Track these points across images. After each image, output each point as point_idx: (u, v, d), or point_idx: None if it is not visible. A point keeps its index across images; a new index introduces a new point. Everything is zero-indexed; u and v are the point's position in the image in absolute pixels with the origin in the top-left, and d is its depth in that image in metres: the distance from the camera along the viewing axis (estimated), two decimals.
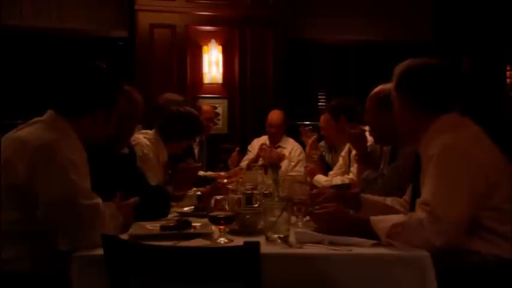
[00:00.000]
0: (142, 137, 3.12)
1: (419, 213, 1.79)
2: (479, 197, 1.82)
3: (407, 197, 2.25)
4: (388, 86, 2.65)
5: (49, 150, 1.82)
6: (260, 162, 4.93)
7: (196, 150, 5.02)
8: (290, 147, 5.26)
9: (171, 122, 3.21)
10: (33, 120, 1.99)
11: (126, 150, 2.57)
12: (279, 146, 5.27)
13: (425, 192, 1.83)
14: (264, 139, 5.45)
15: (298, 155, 5.16)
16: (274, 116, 5.31)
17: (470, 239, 1.82)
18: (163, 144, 3.20)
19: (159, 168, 3.12)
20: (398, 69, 2.10)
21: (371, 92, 2.73)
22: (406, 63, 2.09)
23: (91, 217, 1.79)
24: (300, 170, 4.87)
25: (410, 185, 2.23)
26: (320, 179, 3.86)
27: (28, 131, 1.93)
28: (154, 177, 2.88)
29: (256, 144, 5.39)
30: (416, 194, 2.00)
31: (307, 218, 2.12)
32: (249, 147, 5.40)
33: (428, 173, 1.87)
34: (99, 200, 1.86)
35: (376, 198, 2.34)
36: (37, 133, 1.90)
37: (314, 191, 2.80)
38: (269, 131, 5.27)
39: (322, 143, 4.68)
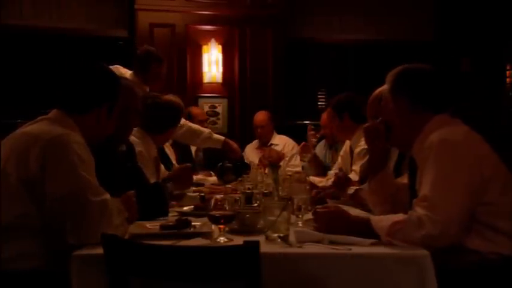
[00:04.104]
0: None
1: (419, 211, 1.79)
2: (475, 191, 1.83)
3: None
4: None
5: (60, 143, 1.84)
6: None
7: (193, 150, 5.03)
8: (282, 143, 5.37)
9: (152, 114, 3.13)
10: (38, 118, 2.01)
11: (123, 147, 2.57)
12: (272, 144, 5.33)
13: (423, 189, 1.84)
14: (255, 143, 5.50)
15: (291, 149, 5.26)
16: (259, 116, 5.46)
17: (467, 235, 1.83)
18: (150, 138, 3.16)
19: (152, 164, 3.09)
20: (393, 72, 2.11)
21: (370, 92, 2.74)
22: (400, 67, 2.11)
23: (100, 213, 1.80)
24: (294, 163, 4.93)
25: None
26: (314, 180, 3.75)
27: (37, 127, 1.95)
28: (150, 175, 2.87)
29: (249, 150, 5.43)
30: (413, 195, 1.99)
31: (309, 216, 2.13)
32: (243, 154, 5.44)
33: (425, 170, 1.87)
34: (108, 196, 1.86)
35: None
36: (47, 128, 1.92)
37: (314, 191, 2.82)
38: (256, 131, 5.43)
39: (322, 142, 4.68)
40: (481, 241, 1.83)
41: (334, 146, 4.50)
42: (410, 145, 2.06)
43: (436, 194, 1.79)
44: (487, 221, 1.83)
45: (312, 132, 4.42)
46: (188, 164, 3.02)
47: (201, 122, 4.98)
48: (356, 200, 2.72)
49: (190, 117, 4.95)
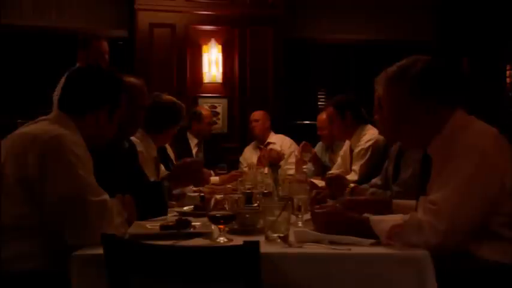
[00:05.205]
0: None
1: (421, 214, 1.77)
2: (491, 203, 1.77)
3: None
4: None
5: (58, 143, 1.84)
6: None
7: (194, 151, 5.05)
8: (279, 141, 5.39)
9: (152, 114, 3.08)
10: (38, 118, 2.02)
11: (125, 145, 2.57)
12: (269, 143, 5.34)
13: (435, 192, 1.79)
14: (253, 144, 5.50)
15: (289, 147, 5.29)
16: (256, 113, 5.49)
17: (477, 243, 1.79)
18: (150, 138, 3.17)
19: (151, 164, 3.10)
20: (411, 74, 1.91)
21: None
22: (412, 64, 1.93)
23: (99, 214, 1.80)
24: (292, 161, 4.94)
25: None
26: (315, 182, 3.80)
27: (36, 127, 1.95)
28: (150, 175, 2.87)
29: (248, 151, 5.44)
30: (423, 195, 1.93)
31: (309, 216, 2.13)
32: (241, 159, 5.44)
33: (444, 171, 1.81)
34: (107, 196, 1.86)
35: (407, 202, 2.22)
36: (45, 128, 1.92)
37: (314, 191, 2.82)
38: (252, 127, 5.44)
39: (320, 143, 4.68)
40: (491, 251, 1.78)
41: (331, 148, 4.51)
42: (425, 143, 1.95)
43: (448, 202, 1.73)
44: (500, 231, 1.79)
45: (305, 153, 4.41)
46: (186, 160, 2.83)
47: (209, 124, 5.07)
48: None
49: (201, 118, 5.01)
